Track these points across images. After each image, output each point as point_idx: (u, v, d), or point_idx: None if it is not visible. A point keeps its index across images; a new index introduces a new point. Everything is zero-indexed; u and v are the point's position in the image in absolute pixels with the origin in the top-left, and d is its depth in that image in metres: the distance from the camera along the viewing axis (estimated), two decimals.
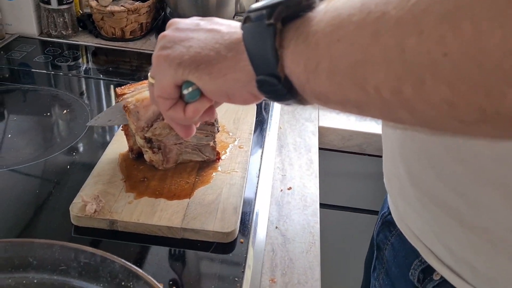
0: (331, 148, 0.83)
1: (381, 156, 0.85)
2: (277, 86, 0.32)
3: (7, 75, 0.86)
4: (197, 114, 0.42)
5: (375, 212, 0.96)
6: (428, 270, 0.48)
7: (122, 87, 0.57)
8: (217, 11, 0.96)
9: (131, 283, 0.43)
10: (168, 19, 1.02)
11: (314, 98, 0.32)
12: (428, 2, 0.22)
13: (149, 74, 0.44)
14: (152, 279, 0.42)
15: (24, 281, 0.45)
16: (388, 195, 0.56)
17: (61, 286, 0.45)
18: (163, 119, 0.55)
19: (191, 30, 0.40)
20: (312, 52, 0.29)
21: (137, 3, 0.99)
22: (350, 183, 0.91)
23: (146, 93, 0.55)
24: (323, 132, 0.80)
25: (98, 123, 0.58)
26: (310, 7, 0.31)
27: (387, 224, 0.57)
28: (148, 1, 1.00)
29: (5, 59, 0.91)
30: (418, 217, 0.48)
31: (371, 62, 0.25)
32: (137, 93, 0.55)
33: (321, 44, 0.28)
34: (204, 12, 0.96)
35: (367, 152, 0.83)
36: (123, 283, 0.43)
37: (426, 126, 0.26)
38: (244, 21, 0.33)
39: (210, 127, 0.60)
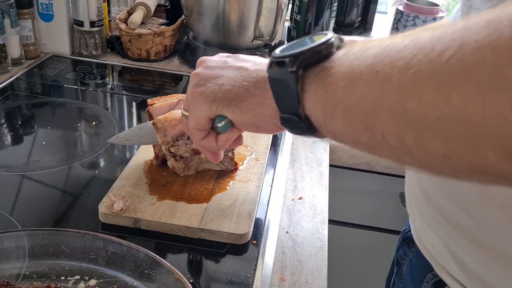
0: (341, 165, 0.87)
1: (389, 174, 0.89)
2: (298, 124, 0.37)
3: (39, 90, 0.93)
4: (228, 143, 0.47)
5: (384, 230, 0.99)
6: (439, 284, 0.52)
7: (153, 98, 0.63)
8: (238, 36, 1.03)
9: (153, 271, 0.47)
10: (191, 42, 1.09)
11: (330, 136, 0.36)
12: (426, 73, 0.26)
13: (182, 107, 0.49)
14: (172, 267, 0.46)
15: (56, 268, 0.49)
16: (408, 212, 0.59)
17: (90, 273, 0.49)
18: (188, 138, 0.60)
19: (220, 68, 0.45)
20: (329, 99, 0.33)
21: (162, 26, 1.07)
22: (359, 200, 0.95)
23: (173, 113, 0.60)
24: (333, 149, 0.84)
25: (121, 141, 0.63)
26: (328, 55, 0.35)
27: (407, 240, 0.60)
28: (173, 25, 1.08)
29: (39, 76, 0.98)
30: (433, 234, 0.51)
31: (379, 114, 0.29)
32: (166, 104, 0.61)
33: (336, 93, 0.33)
34: (225, 36, 1.03)
35: (376, 169, 0.87)
36: (146, 271, 0.48)
37: (427, 170, 0.30)
38: (270, 65, 0.38)
39: (229, 149, 0.65)
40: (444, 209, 0.48)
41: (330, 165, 0.80)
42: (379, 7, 1.36)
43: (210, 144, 0.47)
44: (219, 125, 0.45)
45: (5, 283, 0.47)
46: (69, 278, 0.49)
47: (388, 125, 0.29)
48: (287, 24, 1.23)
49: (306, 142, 0.82)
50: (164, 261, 0.47)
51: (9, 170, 0.67)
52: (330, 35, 0.36)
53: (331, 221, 0.90)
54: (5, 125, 0.80)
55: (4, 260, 0.49)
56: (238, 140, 0.49)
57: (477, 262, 0.46)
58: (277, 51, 0.37)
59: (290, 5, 1.20)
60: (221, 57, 0.47)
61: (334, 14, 1.13)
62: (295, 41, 0.37)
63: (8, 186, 0.64)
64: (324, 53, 0.35)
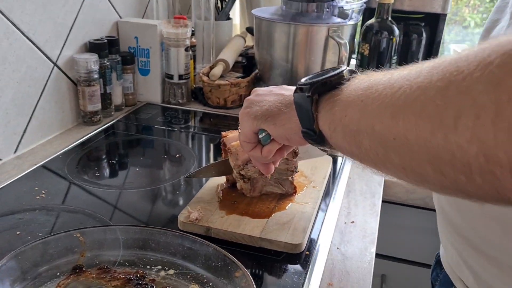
0: (396, 201, 0.93)
1: None
2: (314, 136, 0.47)
3: (135, 130, 1.11)
4: (271, 154, 0.58)
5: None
6: None
7: (227, 131, 0.76)
8: None
9: (219, 263, 0.57)
10: None
11: (335, 148, 0.46)
12: (387, 104, 0.35)
13: (238, 127, 0.61)
14: (237, 261, 0.56)
15: (144, 258, 0.61)
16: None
17: (170, 264, 0.60)
18: None
19: (265, 95, 0.57)
20: (332, 119, 0.43)
21: (239, 78, 1.22)
22: (414, 236, 0.98)
23: None
24: (388, 184, 0.91)
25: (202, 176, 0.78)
26: (338, 84, 0.44)
27: (439, 263, 0.65)
28: (247, 78, 1.23)
29: (135, 119, 1.16)
30: (452, 248, 0.57)
31: (361, 133, 0.38)
32: (238, 134, 0.73)
33: (336, 115, 0.43)
34: (293, 85, 1.16)
35: (430, 206, 0.92)
36: (214, 264, 0.58)
37: (398, 179, 0.38)
38: (295, 91, 0.49)
39: (290, 172, 0.75)
40: (456, 223, 0.54)
41: (385, 201, 0.86)
42: None
43: (256, 154, 0.59)
44: (260, 136, 0.56)
45: (105, 267, 0.59)
46: (153, 267, 0.60)
47: (367, 142, 0.38)
48: None
49: (362, 177, 0.90)
50: (231, 255, 0.57)
51: (110, 188, 0.82)
52: (342, 68, 0.46)
53: (386, 257, 0.95)
54: (108, 156, 0.97)
55: (105, 249, 0.61)
56: (280, 153, 0.59)
57: (486, 271, 0.51)
58: (303, 79, 0.48)
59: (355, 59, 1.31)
60: (269, 87, 0.59)
61: (394, 67, 1.22)
62: (320, 71, 0.48)
63: (109, 199, 0.78)
64: (335, 82, 0.44)
